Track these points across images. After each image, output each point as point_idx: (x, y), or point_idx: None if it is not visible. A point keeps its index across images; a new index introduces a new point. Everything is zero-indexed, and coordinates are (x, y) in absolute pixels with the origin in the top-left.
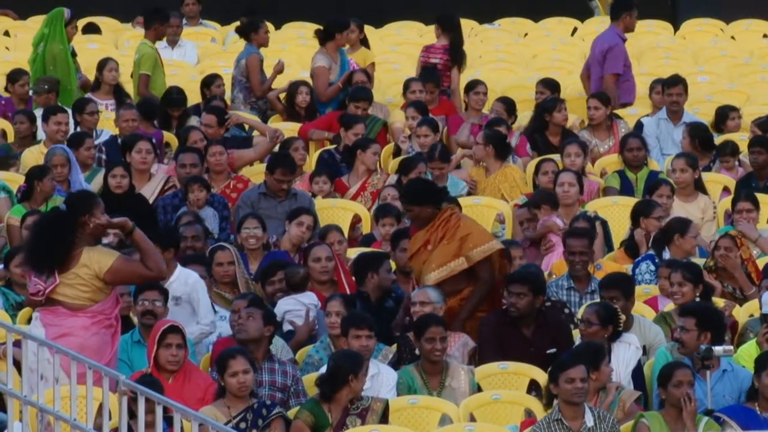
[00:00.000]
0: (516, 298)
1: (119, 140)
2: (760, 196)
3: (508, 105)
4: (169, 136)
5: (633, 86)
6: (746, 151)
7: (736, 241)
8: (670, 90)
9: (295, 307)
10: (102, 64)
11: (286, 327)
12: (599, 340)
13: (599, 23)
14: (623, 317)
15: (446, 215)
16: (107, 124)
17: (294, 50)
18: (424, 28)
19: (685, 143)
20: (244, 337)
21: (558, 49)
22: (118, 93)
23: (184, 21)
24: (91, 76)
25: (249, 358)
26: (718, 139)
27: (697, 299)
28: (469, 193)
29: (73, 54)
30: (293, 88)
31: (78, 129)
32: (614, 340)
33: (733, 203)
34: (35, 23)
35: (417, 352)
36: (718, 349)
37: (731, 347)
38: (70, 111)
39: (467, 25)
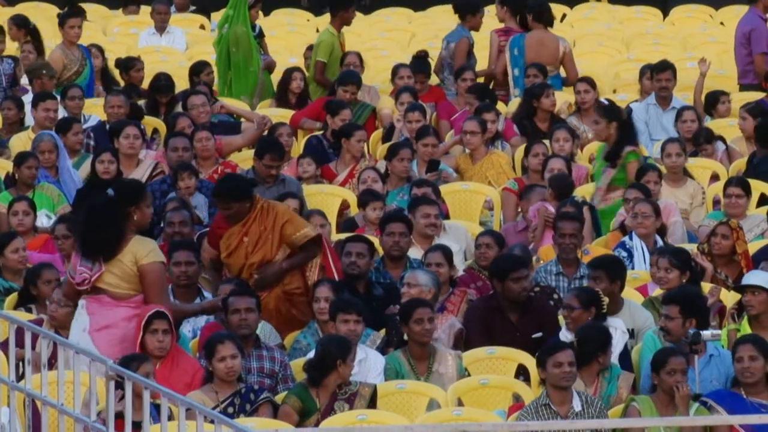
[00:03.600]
0: (513, 283)
1: (107, 126)
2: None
3: (480, 92)
4: (158, 123)
5: None
6: (733, 136)
7: (733, 230)
8: (659, 75)
9: None
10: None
11: None
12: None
13: (590, 8)
14: (606, 300)
15: (259, 206)
16: (97, 110)
17: (283, 37)
18: (413, 14)
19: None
20: (247, 333)
21: None
22: (106, 79)
23: (173, 8)
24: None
25: (237, 343)
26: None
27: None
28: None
29: (261, 35)
30: (287, 74)
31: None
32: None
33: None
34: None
35: (405, 337)
36: (706, 334)
37: (719, 332)
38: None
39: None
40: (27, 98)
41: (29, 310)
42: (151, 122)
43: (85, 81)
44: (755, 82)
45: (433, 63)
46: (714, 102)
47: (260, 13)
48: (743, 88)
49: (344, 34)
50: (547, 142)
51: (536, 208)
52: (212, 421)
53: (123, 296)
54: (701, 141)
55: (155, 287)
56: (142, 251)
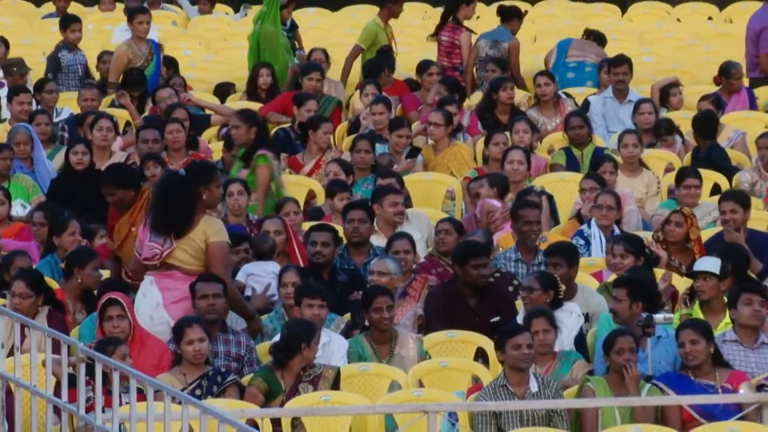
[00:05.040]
0: (474, 269)
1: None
2: (703, 171)
3: (450, 85)
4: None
5: None
6: (687, 127)
7: (687, 218)
8: (616, 69)
9: (259, 273)
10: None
11: (248, 291)
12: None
13: (550, 5)
14: (563, 286)
15: (146, 195)
16: (69, 102)
17: None
18: (374, 11)
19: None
20: (214, 318)
21: None
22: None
23: (146, 4)
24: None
25: (205, 327)
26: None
27: None
28: None
29: (294, 27)
30: (255, 70)
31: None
32: (556, 308)
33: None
34: None
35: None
36: (658, 317)
37: (671, 315)
38: None
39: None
40: (3, 92)
41: (3, 296)
42: (123, 115)
43: (151, 74)
44: (762, 76)
45: (397, 58)
46: (666, 94)
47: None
48: (751, 82)
49: (391, 26)
50: (507, 133)
51: (480, 205)
52: (180, 402)
53: (194, 273)
54: (662, 132)
55: (221, 264)
56: (211, 229)
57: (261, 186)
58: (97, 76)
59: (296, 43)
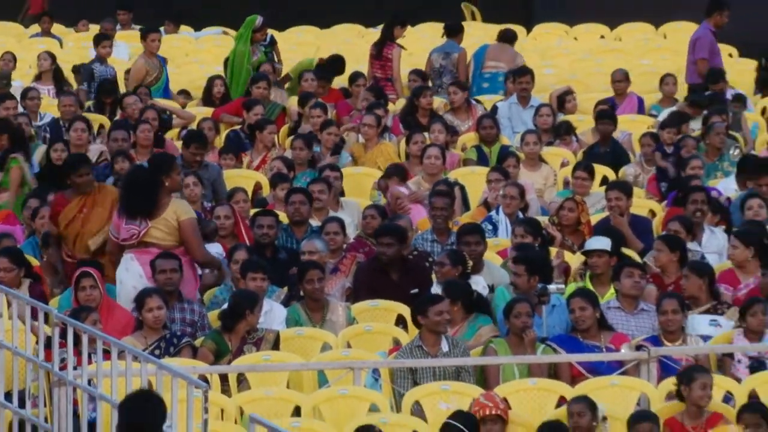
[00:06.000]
0: (385, 248)
1: (60, 122)
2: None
3: (376, 92)
4: (103, 119)
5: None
6: (582, 128)
7: (578, 204)
8: (520, 79)
9: None
10: (38, 57)
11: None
12: (451, 278)
13: (467, 26)
14: (470, 262)
15: (96, 185)
16: (51, 108)
17: (210, 50)
18: (319, 31)
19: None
20: (172, 290)
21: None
22: (58, 80)
23: (119, 26)
24: (34, 68)
25: (163, 297)
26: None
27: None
28: None
29: (273, 43)
30: (210, 81)
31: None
32: (465, 280)
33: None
34: None
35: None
36: (551, 288)
37: (563, 286)
38: None
39: None
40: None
41: None
42: (97, 118)
43: (162, 85)
44: (698, 81)
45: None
46: (562, 101)
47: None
48: (690, 87)
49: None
50: (426, 133)
51: (390, 191)
52: (139, 360)
53: (169, 247)
54: (562, 132)
55: (193, 237)
56: (181, 209)
57: (13, 184)
58: (74, 84)
59: (275, 56)
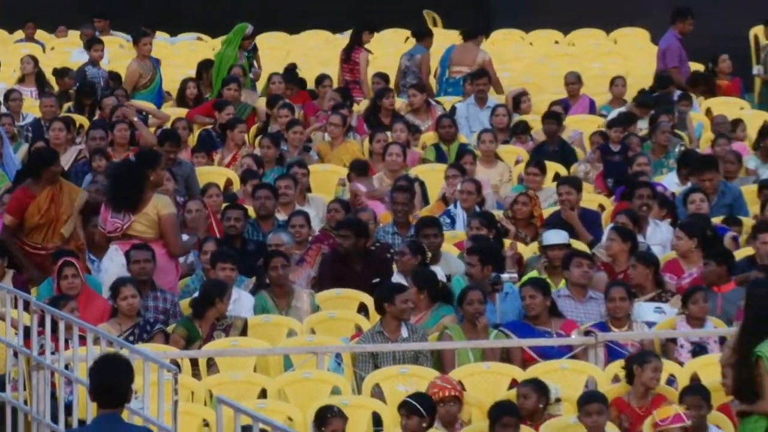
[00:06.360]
0: (343, 239)
1: (42, 122)
2: (548, 162)
3: (342, 93)
4: (83, 119)
5: (687, 73)
6: (537, 128)
7: (531, 199)
8: (477, 81)
9: None
10: (21, 60)
11: None
12: (411, 267)
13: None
14: (429, 253)
15: (61, 180)
16: (33, 109)
17: (185, 55)
18: (288, 37)
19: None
20: (145, 279)
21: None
22: (40, 82)
23: (98, 32)
24: (18, 72)
25: (137, 286)
26: (514, 120)
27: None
28: None
29: (255, 49)
30: (183, 83)
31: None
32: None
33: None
34: None
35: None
36: (504, 276)
37: (515, 275)
38: None
39: None
40: None
41: None
42: (77, 119)
43: (156, 86)
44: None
45: (300, 74)
46: (518, 102)
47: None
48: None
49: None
50: (388, 133)
51: (351, 188)
52: (113, 345)
53: (151, 240)
54: (519, 131)
55: (172, 231)
56: (161, 204)
57: None
58: (55, 87)
59: (255, 62)
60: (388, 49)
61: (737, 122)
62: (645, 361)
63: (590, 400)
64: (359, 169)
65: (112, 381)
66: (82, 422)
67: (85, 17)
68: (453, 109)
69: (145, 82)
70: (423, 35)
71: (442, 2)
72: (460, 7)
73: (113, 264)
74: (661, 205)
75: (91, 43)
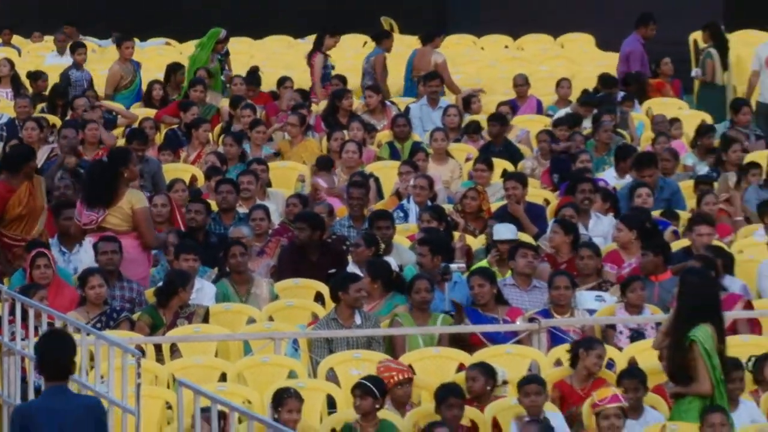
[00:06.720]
0: (299, 232)
1: (16, 122)
2: (495, 160)
3: (302, 94)
4: (55, 119)
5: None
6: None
7: (479, 194)
8: (430, 83)
9: None
10: None
11: None
12: (365, 258)
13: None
14: (383, 245)
15: (36, 175)
16: (8, 109)
17: (153, 59)
18: (252, 41)
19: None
20: (112, 269)
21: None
22: (15, 84)
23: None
24: None
25: (104, 276)
26: (465, 120)
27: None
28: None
29: (227, 53)
30: (150, 85)
31: None
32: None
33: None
34: None
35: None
36: (453, 267)
37: (464, 265)
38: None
39: None
40: None
41: None
42: (50, 118)
43: (136, 87)
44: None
45: (263, 77)
46: (468, 102)
47: None
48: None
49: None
50: (345, 131)
51: (311, 182)
52: (80, 331)
53: (124, 233)
54: (471, 131)
55: (145, 224)
56: (135, 198)
57: None
58: (30, 89)
59: (226, 65)
60: (347, 53)
61: (674, 121)
62: (591, 348)
63: (528, 382)
64: (323, 165)
65: (57, 355)
66: None
67: (55, 23)
68: (407, 109)
69: (126, 83)
70: (381, 37)
71: (401, 9)
72: (420, 15)
73: (88, 255)
74: (604, 198)
75: (75, 47)
